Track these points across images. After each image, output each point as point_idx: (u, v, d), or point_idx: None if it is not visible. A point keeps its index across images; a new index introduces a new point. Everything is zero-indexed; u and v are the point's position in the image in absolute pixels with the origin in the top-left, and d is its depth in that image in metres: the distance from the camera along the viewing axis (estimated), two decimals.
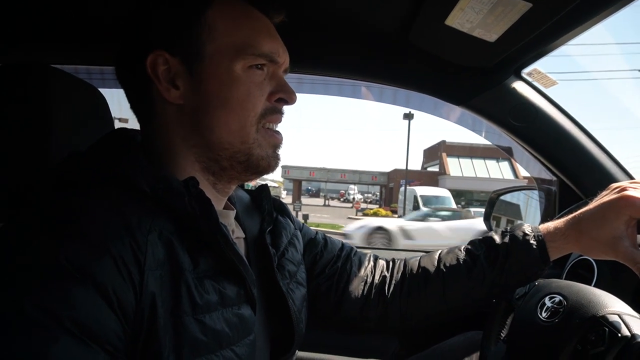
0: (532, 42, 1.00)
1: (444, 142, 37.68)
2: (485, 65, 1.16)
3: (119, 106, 1.46)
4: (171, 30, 0.71)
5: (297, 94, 0.80)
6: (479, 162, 36.86)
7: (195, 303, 0.61)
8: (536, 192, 1.55)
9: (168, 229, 0.63)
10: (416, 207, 25.71)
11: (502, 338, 0.98)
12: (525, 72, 1.22)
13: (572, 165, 1.25)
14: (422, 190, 26.91)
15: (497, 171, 36.45)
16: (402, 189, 29.47)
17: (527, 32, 0.95)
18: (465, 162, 36.84)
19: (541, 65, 1.18)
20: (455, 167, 36.51)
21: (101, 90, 0.99)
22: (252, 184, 1.42)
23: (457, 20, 0.95)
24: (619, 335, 0.66)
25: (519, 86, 1.23)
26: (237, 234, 0.83)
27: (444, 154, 36.70)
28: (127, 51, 0.74)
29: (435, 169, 38.28)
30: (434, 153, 39.60)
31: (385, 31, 1.12)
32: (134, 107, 0.77)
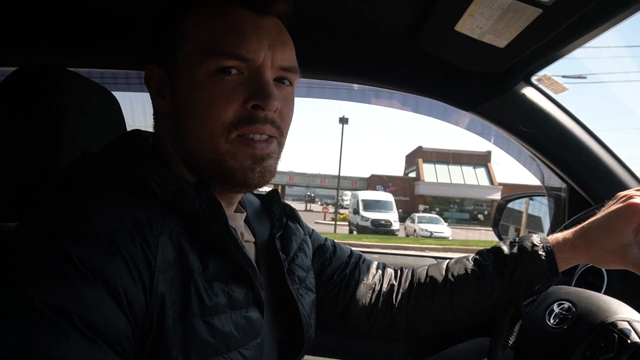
0: (542, 48, 1.00)
1: (420, 147, 38.05)
2: (495, 71, 1.16)
3: (131, 109, 1.49)
4: (154, 42, 0.74)
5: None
6: (455, 168, 37.34)
7: (204, 305, 0.61)
8: (545, 198, 1.54)
9: (178, 231, 0.63)
10: (356, 211, 26.18)
11: (510, 345, 0.97)
12: (535, 78, 1.22)
13: (581, 172, 1.25)
14: (364, 195, 27.50)
15: (473, 177, 36.71)
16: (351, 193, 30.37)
17: (537, 38, 0.95)
18: (442, 167, 37.30)
19: (551, 69, 1.18)
20: (431, 172, 36.95)
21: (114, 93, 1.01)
22: None
23: (467, 26, 0.95)
24: (629, 341, 0.66)
25: (528, 92, 1.22)
26: (246, 238, 0.83)
27: (419, 160, 37.26)
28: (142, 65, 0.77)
29: (414, 174, 38.51)
30: (412, 159, 39.84)
31: (395, 36, 1.13)
32: None
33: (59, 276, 0.52)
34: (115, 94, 1.02)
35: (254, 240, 0.86)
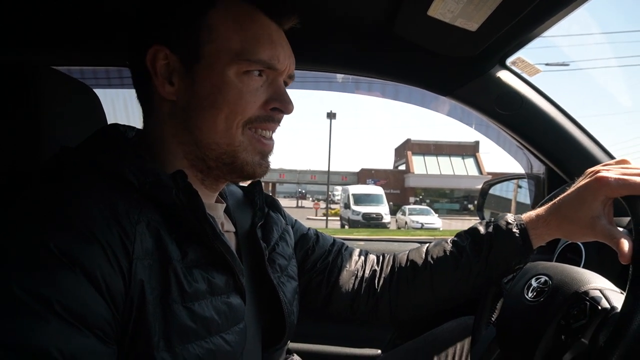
0: (513, 30, 1.02)
1: (409, 140, 38.31)
2: (470, 55, 1.18)
3: (113, 106, 1.49)
4: (173, 26, 0.71)
5: (293, 92, 0.80)
6: (444, 159, 37.66)
7: (183, 291, 0.62)
8: (525, 180, 1.57)
9: (156, 220, 0.64)
10: (347, 205, 26.27)
11: (492, 322, 1.00)
12: (509, 61, 1.24)
13: (558, 152, 1.27)
14: (354, 189, 27.71)
15: (462, 168, 37.06)
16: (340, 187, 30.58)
17: (507, 20, 0.96)
18: (431, 159, 37.67)
19: (533, 56, 1.20)
20: (420, 164, 37.24)
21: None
22: None
23: (439, 10, 0.96)
24: (599, 308, 0.68)
25: (503, 75, 1.25)
26: (227, 227, 0.84)
27: (408, 152, 37.49)
28: (132, 44, 0.75)
29: (404, 167, 38.72)
30: (402, 151, 40.03)
31: (370, 23, 1.14)
32: (138, 99, 0.78)
33: (38, 265, 0.53)
34: (96, 90, 1.01)
35: (234, 230, 0.87)
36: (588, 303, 0.70)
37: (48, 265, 0.53)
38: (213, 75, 0.70)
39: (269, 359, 0.89)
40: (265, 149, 0.76)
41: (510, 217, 0.91)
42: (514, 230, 0.88)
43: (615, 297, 0.70)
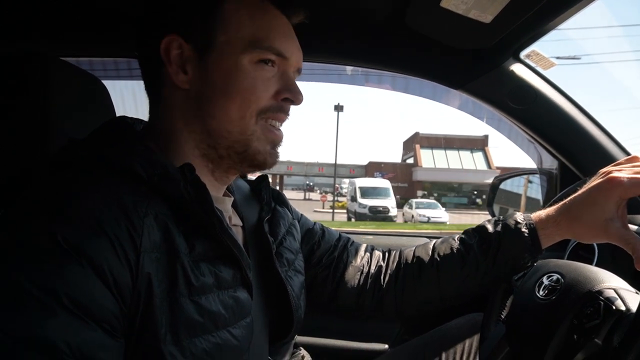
0: (528, 22, 1.00)
1: (417, 133, 38.18)
2: (483, 48, 1.15)
3: (122, 97, 1.48)
4: (187, 16, 0.72)
5: (301, 85, 0.80)
6: (452, 153, 37.47)
7: (190, 284, 0.62)
8: (537, 176, 1.55)
9: (164, 213, 0.64)
10: (354, 198, 26.22)
11: (502, 319, 0.99)
12: (523, 54, 1.22)
13: (572, 147, 1.25)
14: (361, 182, 27.68)
15: (471, 162, 36.85)
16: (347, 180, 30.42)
17: (523, 12, 0.94)
18: (439, 153, 37.48)
19: (546, 49, 1.18)
20: (429, 158, 37.08)
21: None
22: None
23: (452, 1, 0.94)
24: (614, 308, 0.66)
25: (517, 68, 1.22)
26: (234, 221, 0.84)
27: (417, 146, 37.35)
28: (144, 32, 0.75)
29: (412, 160, 38.65)
30: (410, 145, 39.94)
31: (382, 15, 1.12)
32: (147, 89, 0.78)
33: (46, 257, 0.53)
34: (105, 82, 1.01)
35: (241, 224, 0.86)
36: (602, 303, 0.68)
37: (55, 257, 0.53)
38: (227, 63, 0.71)
39: (276, 353, 0.89)
40: (276, 139, 0.78)
41: (519, 216, 0.90)
42: (523, 229, 0.87)
43: (630, 297, 0.68)
